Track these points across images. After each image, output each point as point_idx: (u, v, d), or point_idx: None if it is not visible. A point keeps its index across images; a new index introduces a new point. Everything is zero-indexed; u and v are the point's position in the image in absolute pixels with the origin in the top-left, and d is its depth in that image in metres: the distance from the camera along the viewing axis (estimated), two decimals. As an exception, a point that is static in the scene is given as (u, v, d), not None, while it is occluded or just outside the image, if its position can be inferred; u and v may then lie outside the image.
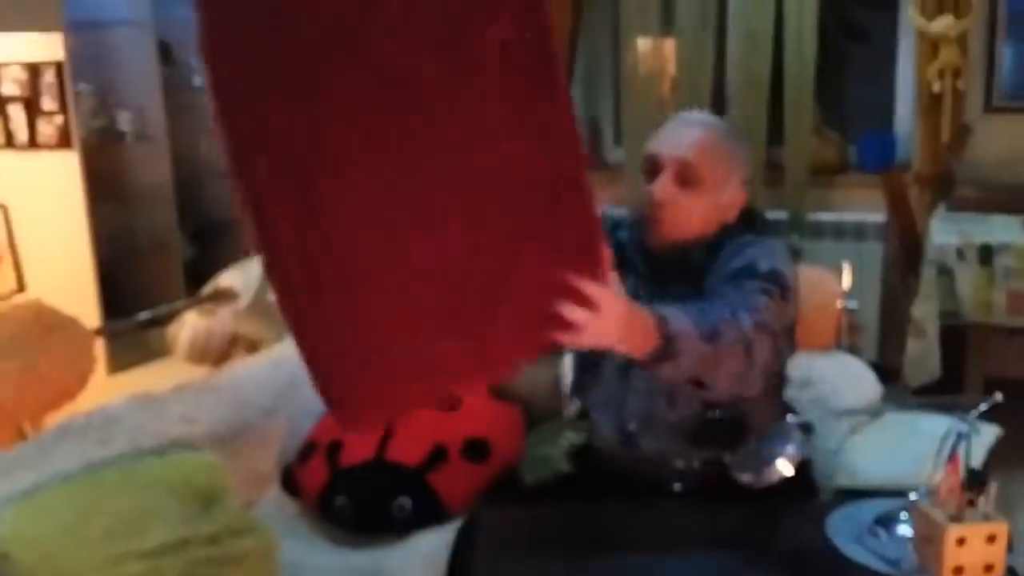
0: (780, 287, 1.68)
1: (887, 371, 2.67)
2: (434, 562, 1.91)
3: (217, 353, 2.54)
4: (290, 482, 2.32)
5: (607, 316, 1.29)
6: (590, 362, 1.91)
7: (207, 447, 2.07)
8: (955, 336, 3.10)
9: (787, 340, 1.79)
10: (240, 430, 2.24)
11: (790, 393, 2.22)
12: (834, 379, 2.12)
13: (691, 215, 1.75)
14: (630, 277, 1.78)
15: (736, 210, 1.80)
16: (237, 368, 2.38)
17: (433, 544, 1.98)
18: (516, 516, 1.72)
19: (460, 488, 2.14)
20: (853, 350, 2.26)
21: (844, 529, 1.66)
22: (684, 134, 1.76)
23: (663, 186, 1.72)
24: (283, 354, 2.50)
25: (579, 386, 1.98)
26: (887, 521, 1.66)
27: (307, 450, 2.30)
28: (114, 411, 2.02)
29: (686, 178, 1.71)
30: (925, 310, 2.93)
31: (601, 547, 1.59)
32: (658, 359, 1.44)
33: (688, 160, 1.71)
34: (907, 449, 1.87)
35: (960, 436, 1.53)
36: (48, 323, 2.01)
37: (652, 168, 1.75)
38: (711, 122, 1.83)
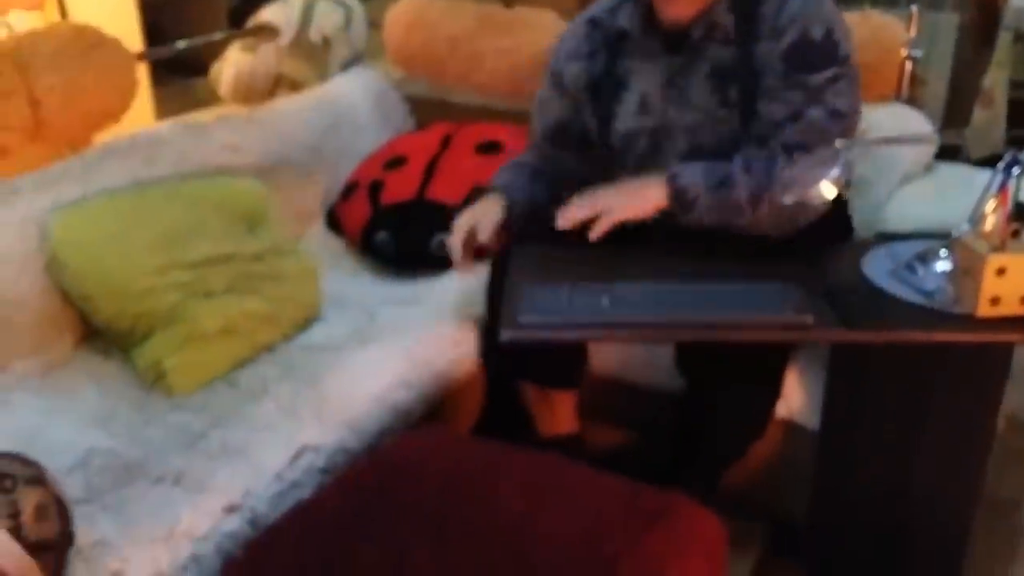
0: (842, 63, 1.58)
1: (949, 150, 2.57)
2: (470, 293, 1.95)
3: (261, 92, 2.52)
4: (333, 219, 2.36)
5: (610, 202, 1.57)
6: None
7: (251, 177, 2.09)
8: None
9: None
10: (283, 165, 2.25)
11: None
12: (890, 130, 2.04)
13: None
14: (646, 64, 1.69)
15: None
16: (280, 105, 2.36)
17: (468, 278, 2.00)
18: (548, 250, 1.73)
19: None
20: (914, 103, 2.16)
21: (881, 265, 1.65)
22: None
23: None
24: (325, 95, 2.49)
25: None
26: (926, 257, 1.63)
27: (349, 189, 2.32)
28: (159, 134, 2.04)
29: None
30: (996, 78, 2.79)
31: (634, 272, 1.60)
32: (677, 210, 1.58)
33: None
34: (958, 199, 1.80)
35: (1012, 167, 1.47)
36: (90, 41, 2.00)
37: None
38: None
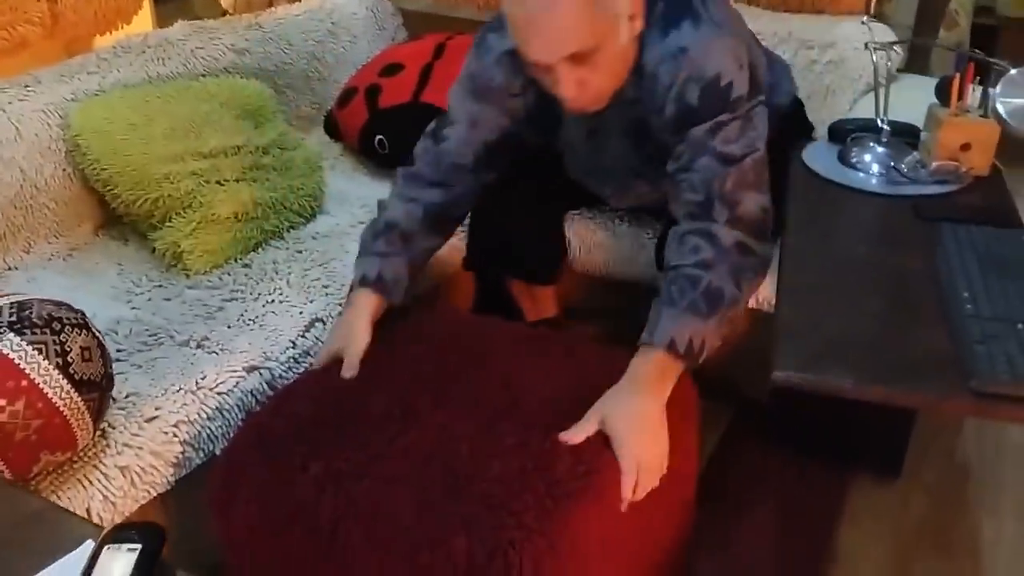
0: (733, 107, 1.43)
1: (914, 63, 2.70)
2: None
3: (261, 2, 2.61)
4: (331, 125, 2.47)
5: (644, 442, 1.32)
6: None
7: (255, 78, 2.20)
8: (988, 35, 3.10)
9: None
10: (285, 69, 2.36)
11: (811, 56, 2.29)
12: (859, 41, 2.17)
13: (605, 80, 1.45)
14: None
15: (639, 19, 1.44)
16: (281, 12, 2.46)
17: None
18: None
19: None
20: (880, 18, 2.29)
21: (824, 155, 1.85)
22: (546, 24, 1.36)
23: (566, 87, 1.40)
24: (323, 5, 2.59)
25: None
26: (861, 143, 1.82)
27: (347, 95, 2.43)
28: (168, 34, 2.14)
29: (580, 61, 1.39)
30: (961, 1, 2.91)
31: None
32: (692, 364, 1.40)
33: (571, 51, 1.37)
34: (920, 107, 1.95)
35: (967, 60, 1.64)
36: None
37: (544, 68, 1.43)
38: None
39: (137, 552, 0.94)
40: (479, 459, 1.28)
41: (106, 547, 0.94)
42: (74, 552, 0.96)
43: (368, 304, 1.55)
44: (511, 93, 1.60)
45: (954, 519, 1.88)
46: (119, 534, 0.96)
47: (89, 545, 0.96)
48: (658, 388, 1.37)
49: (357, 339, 1.51)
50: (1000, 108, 1.56)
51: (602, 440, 1.31)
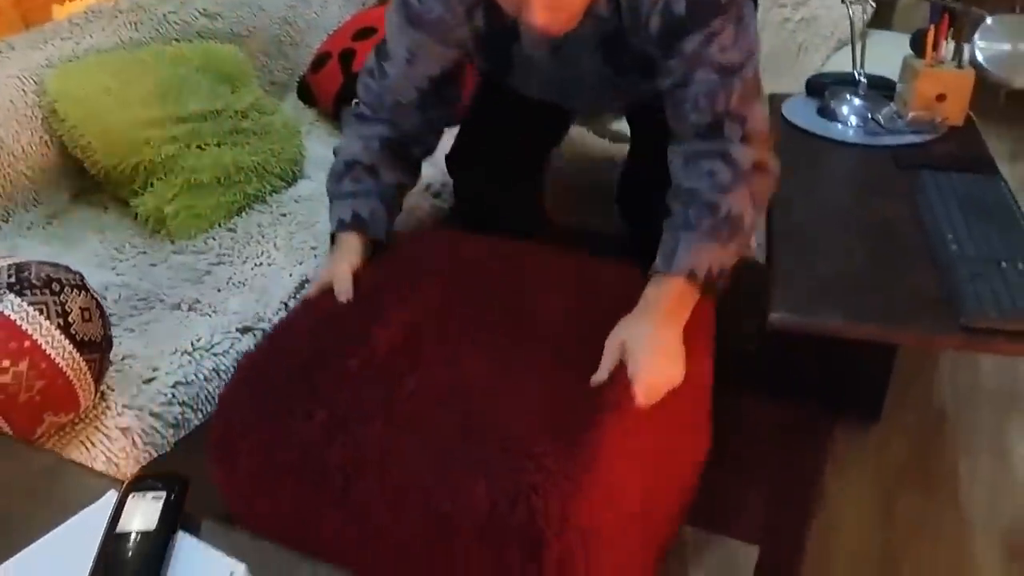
0: (724, 11, 1.29)
1: (879, 19, 2.74)
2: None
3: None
4: (305, 91, 2.45)
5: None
6: None
7: (228, 43, 2.17)
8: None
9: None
10: (256, 33, 2.33)
11: (784, 13, 2.33)
12: (830, 1, 2.21)
13: (578, 1, 1.26)
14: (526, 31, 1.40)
15: None
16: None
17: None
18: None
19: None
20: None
21: (802, 109, 1.88)
22: None
23: (538, 14, 1.21)
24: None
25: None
26: (836, 95, 1.86)
27: (321, 60, 2.41)
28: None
29: None
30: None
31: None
32: (718, 285, 1.35)
33: None
34: (890, 61, 2.00)
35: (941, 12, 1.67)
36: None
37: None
38: None
39: (162, 499, 0.95)
40: (493, 397, 1.23)
41: (131, 495, 0.94)
42: (98, 502, 0.96)
43: (351, 244, 1.48)
44: (454, 23, 1.44)
45: (933, 459, 1.95)
46: (142, 483, 0.96)
47: (112, 495, 0.96)
48: (677, 316, 1.32)
49: (344, 266, 1.45)
50: (979, 55, 1.61)
51: (621, 372, 1.26)
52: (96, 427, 1.36)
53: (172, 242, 1.83)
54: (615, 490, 1.19)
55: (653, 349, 1.28)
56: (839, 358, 1.92)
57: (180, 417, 1.46)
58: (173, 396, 1.46)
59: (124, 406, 1.41)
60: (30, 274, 1.26)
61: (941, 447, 1.98)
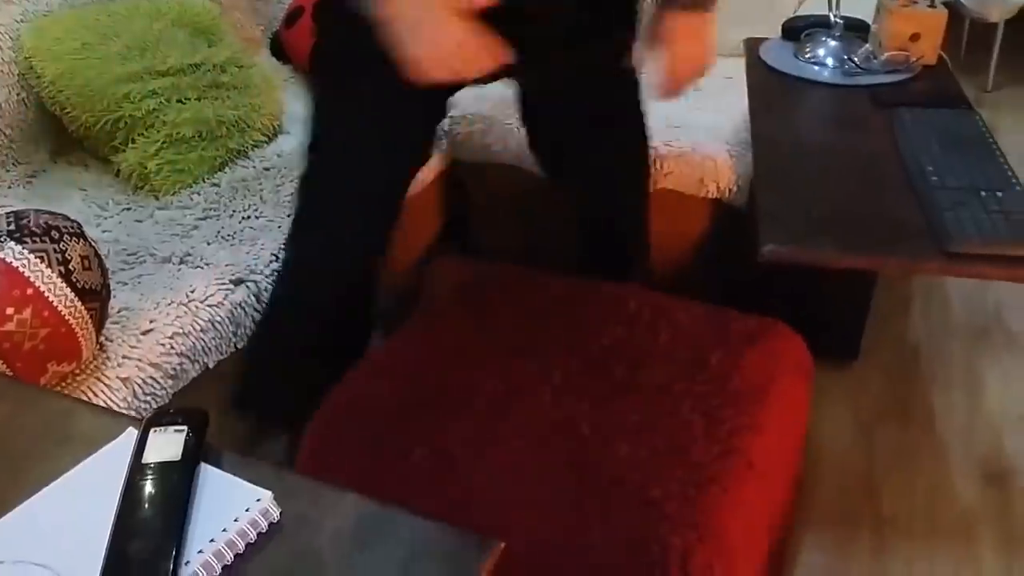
0: None
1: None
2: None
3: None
4: (278, 47, 2.43)
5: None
6: None
7: None
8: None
9: None
10: (229, -10, 2.31)
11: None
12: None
13: None
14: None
15: None
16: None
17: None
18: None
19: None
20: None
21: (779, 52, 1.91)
22: None
23: None
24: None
25: None
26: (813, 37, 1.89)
27: (294, 15, 2.39)
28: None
29: None
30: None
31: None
32: None
33: None
34: (859, 4, 2.03)
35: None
36: None
37: None
38: None
39: (184, 433, 0.96)
40: (603, 440, 1.18)
41: (153, 429, 0.95)
42: (119, 437, 0.97)
43: None
44: None
45: (909, 393, 2.01)
46: (162, 418, 0.97)
47: (132, 433, 0.97)
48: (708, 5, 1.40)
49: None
50: (954, -8, 1.65)
51: (736, 418, 1.25)
52: (97, 377, 1.37)
53: (156, 198, 1.82)
54: (736, 542, 1.12)
55: (688, 34, 1.39)
56: (816, 301, 1.96)
57: (178, 368, 1.47)
58: (171, 347, 1.46)
59: (124, 357, 1.41)
60: (29, 221, 1.25)
61: (917, 381, 2.04)
